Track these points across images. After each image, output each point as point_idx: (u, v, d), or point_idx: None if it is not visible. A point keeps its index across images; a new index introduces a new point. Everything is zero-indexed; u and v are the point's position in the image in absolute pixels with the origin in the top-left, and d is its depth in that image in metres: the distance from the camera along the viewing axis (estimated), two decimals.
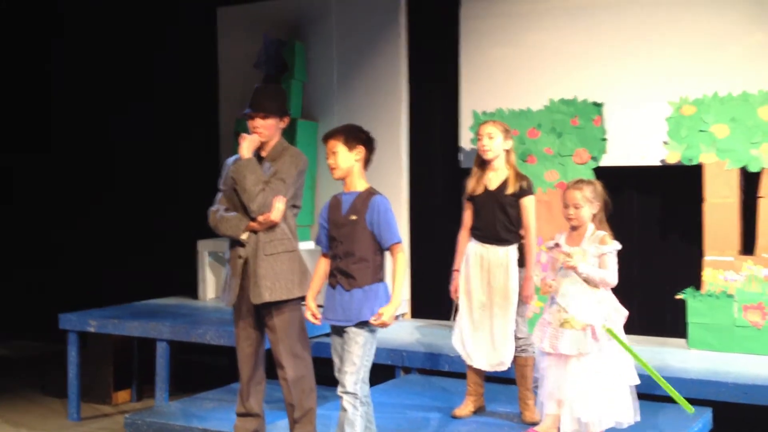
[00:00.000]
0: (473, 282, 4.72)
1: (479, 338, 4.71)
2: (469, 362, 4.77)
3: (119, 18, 8.51)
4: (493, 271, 4.66)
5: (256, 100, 4.40)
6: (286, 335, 4.36)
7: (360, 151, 4.03)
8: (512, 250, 4.67)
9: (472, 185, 4.77)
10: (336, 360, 4.05)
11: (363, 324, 3.94)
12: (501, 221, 4.67)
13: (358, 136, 4.04)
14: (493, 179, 4.72)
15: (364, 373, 3.97)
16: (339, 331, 4.03)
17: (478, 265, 4.71)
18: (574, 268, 4.14)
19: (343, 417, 3.95)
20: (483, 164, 4.77)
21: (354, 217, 3.98)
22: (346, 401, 3.94)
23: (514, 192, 4.67)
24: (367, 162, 4.08)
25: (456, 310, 4.85)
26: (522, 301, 4.65)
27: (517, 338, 4.65)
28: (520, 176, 4.71)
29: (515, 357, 4.68)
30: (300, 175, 4.41)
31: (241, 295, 4.39)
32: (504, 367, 4.68)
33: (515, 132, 6.30)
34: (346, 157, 4.02)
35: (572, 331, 4.15)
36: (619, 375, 4.18)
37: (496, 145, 4.68)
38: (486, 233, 4.70)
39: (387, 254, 4.04)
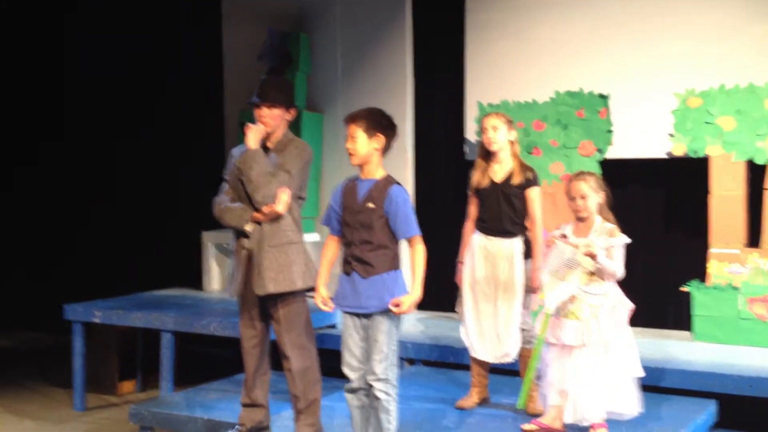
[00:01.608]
0: (478, 274, 4.71)
1: (484, 330, 4.71)
2: (473, 354, 4.78)
3: (123, 10, 8.50)
4: (498, 263, 4.66)
5: (262, 90, 4.39)
6: (291, 326, 4.36)
7: (380, 140, 3.95)
8: (517, 242, 4.66)
9: (477, 178, 4.76)
10: (344, 350, 4.00)
11: (385, 311, 3.91)
12: (507, 213, 4.66)
13: (380, 123, 3.96)
14: (498, 171, 4.71)
15: (393, 357, 3.94)
16: (355, 316, 4.00)
17: (483, 258, 4.70)
18: (593, 256, 4.11)
19: (378, 405, 3.93)
20: (487, 156, 4.75)
21: (371, 206, 3.92)
22: (378, 389, 3.92)
23: (520, 183, 4.65)
24: (386, 149, 4.01)
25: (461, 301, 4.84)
26: (529, 291, 4.65)
27: (522, 330, 4.65)
28: (525, 167, 4.70)
29: (520, 348, 4.68)
30: (305, 166, 4.40)
31: (245, 286, 4.40)
32: (509, 359, 4.68)
33: (520, 124, 6.32)
34: (365, 145, 3.94)
35: (575, 321, 4.15)
36: (622, 366, 4.18)
37: (501, 136, 4.67)
38: (491, 225, 4.69)
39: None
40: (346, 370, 4.02)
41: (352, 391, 4.03)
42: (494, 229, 4.69)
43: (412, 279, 3.92)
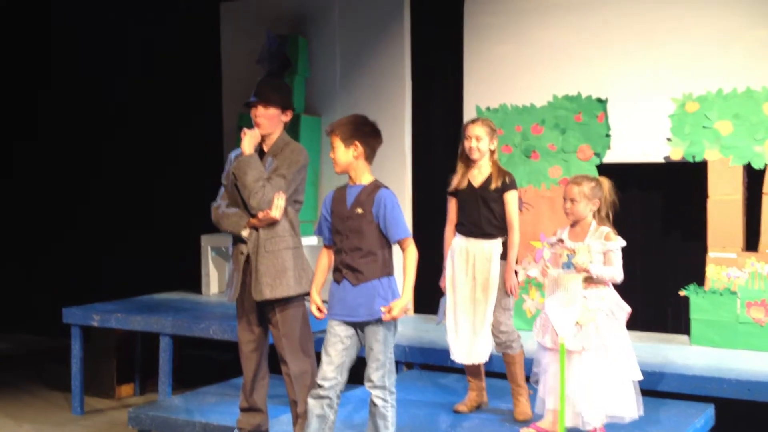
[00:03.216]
0: (459, 276, 4.73)
1: (461, 332, 4.73)
2: (451, 356, 4.79)
3: (122, 12, 8.51)
4: (477, 265, 4.68)
5: (258, 90, 4.40)
6: (289, 331, 4.36)
7: (356, 148, 3.95)
8: (497, 244, 4.68)
9: (456, 180, 4.80)
10: (324, 356, 3.99)
11: (378, 320, 3.91)
12: (486, 217, 4.68)
13: (357, 131, 3.97)
14: (477, 176, 4.74)
15: (390, 365, 3.95)
16: (346, 325, 3.99)
17: (464, 260, 4.72)
18: (587, 271, 4.13)
19: (375, 411, 3.93)
20: (467, 160, 4.78)
21: (360, 211, 3.93)
22: (375, 395, 3.92)
23: (497, 187, 4.68)
24: (369, 155, 4.01)
25: (444, 306, 4.86)
26: (506, 293, 4.66)
27: (501, 332, 4.65)
28: (502, 172, 4.73)
29: (503, 354, 4.70)
30: (301, 170, 4.40)
31: (243, 291, 4.40)
32: (482, 360, 4.69)
33: (518, 128, 6.33)
34: (342, 154, 3.97)
35: (577, 327, 4.15)
36: (622, 370, 4.18)
37: (483, 146, 4.70)
38: (471, 228, 4.72)
39: (395, 247, 3.99)
40: (319, 378, 3.99)
41: (318, 397, 3.99)
42: (475, 232, 4.72)
43: (403, 282, 3.92)
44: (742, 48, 5.76)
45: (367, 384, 3.95)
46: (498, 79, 6.54)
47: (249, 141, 4.34)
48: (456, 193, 4.79)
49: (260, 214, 4.28)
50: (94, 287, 8.07)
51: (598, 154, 6.14)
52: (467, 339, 4.70)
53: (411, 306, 6.89)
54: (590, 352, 4.15)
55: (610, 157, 6.12)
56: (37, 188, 9.25)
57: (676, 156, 5.89)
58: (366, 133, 3.99)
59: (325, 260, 4.11)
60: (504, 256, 4.67)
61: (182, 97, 8.18)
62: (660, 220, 6.21)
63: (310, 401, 4.01)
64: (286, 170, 4.32)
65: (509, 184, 4.69)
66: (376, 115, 4.16)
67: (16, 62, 9.32)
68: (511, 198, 4.69)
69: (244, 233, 4.33)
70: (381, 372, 3.91)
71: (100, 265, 8.66)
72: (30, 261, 9.28)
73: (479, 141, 4.69)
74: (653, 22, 6.03)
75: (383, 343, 3.92)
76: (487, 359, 4.69)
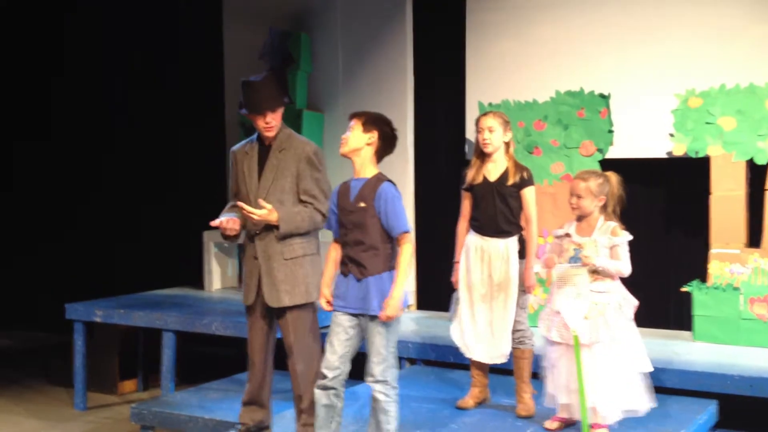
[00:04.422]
0: (474, 274, 4.70)
1: (480, 330, 4.70)
2: (468, 355, 4.77)
3: (124, 6, 8.51)
4: (493, 263, 4.64)
5: (260, 99, 4.36)
6: (298, 327, 4.39)
7: (373, 136, 3.98)
8: (512, 241, 4.65)
9: (471, 175, 4.74)
10: (328, 346, 4.01)
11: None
12: (502, 212, 4.64)
13: (378, 122, 4.01)
14: (492, 170, 4.69)
15: (392, 359, 3.95)
16: (350, 316, 4.00)
17: (479, 258, 4.68)
18: (592, 265, 4.14)
19: (376, 407, 3.94)
20: (482, 155, 4.73)
21: (363, 204, 3.94)
22: (377, 390, 3.93)
23: (515, 183, 4.64)
24: (380, 152, 4.03)
25: (456, 303, 4.84)
26: (524, 291, 4.65)
27: (516, 330, 4.64)
28: (520, 167, 4.69)
29: (513, 349, 4.67)
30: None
31: (258, 292, 4.42)
32: (504, 360, 4.67)
33: (521, 124, 6.32)
34: (358, 137, 3.99)
35: (583, 320, 4.15)
36: (631, 363, 4.18)
37: (496, 138, 4.65)
38: (486, 225, 4.67)
39: None
40: (323, 368, 4.01)
41: (325, 388, 4.01)
42: (490, 229, 4.67)
43: (395, 278, 3.91)
44: (745, 44, 5.76)
45: (368, 378, 3.95)
46: (500, 75, 6.53)
47: (263, 213, 4.25)
48: (471, 188, 4.73)
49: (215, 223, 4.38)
50: (97, 283, 8.07)
51: (600, 150, 6.14)
52: (486, 338, 4.68)
53: (414, 302, 6.89)
54: (600, 346, 4.15)
55: (613, 153, 6.11)
56: (39, 185, 9.25)
57: (679, 152, 5.88)
58: (386, 132, 4.03)
59: (335, 253, 4.12)
60: (522, 254, 4.65)
61: (184, 93, 8.17)
62: (662, 216, 6.20)
63: (317, 392, 4.03)
64: (312, 171, 4.40)
65: (527, 180, 4.65)
66: (378, 111, 4.16)
67: (16, 61, 9.31)
68: (529, 194, 4.65)
69: (224, 242, 4.39)
70: (382, 366, 3.91)
71: (103, 261, 8.66)
72: (33, 258, 9.28)
73: (492, 132, 4.63)
74: (655, 18, 6.02)
75: (385, 337, 3.92)
76: (506, 360, 4.69)
